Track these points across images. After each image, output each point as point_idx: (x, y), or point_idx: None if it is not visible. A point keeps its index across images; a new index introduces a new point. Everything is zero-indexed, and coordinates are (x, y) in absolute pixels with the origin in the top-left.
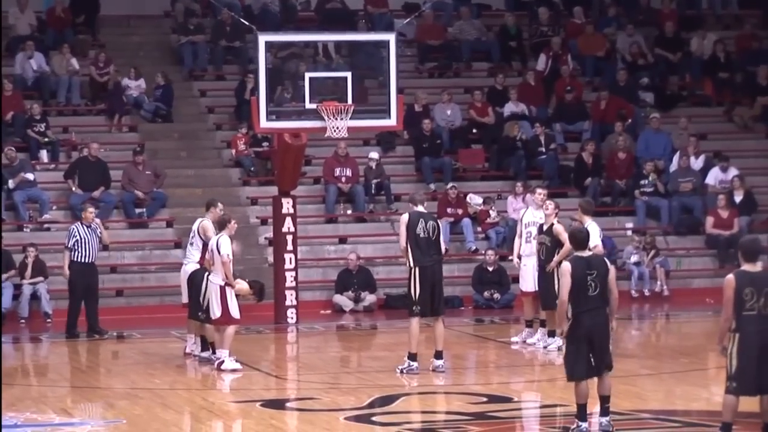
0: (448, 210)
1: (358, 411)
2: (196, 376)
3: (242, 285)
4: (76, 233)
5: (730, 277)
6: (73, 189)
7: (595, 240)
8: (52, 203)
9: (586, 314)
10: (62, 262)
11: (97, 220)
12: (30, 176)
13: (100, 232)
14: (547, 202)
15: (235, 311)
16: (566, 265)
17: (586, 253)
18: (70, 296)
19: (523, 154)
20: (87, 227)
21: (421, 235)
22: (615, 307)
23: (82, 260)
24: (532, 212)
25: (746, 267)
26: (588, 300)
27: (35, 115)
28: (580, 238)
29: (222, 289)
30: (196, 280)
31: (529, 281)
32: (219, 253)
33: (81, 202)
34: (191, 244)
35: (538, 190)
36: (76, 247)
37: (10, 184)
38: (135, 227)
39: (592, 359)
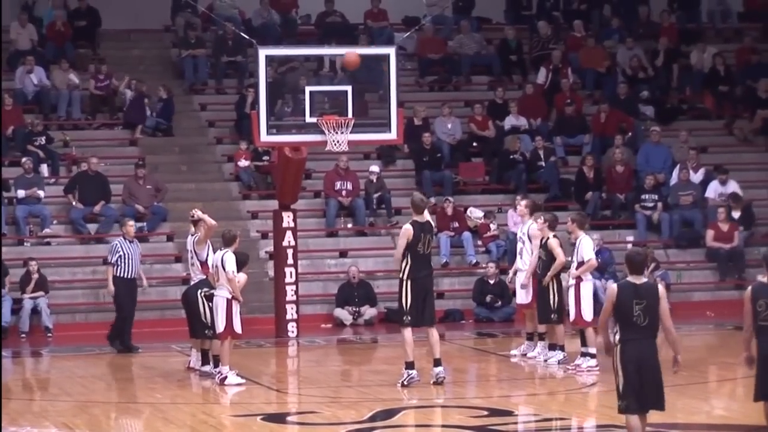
0: (447, 224)
1: (359, 425)
2: (197, 390)
3: (241, 279)
4: (119, 249)
5: (749, 288)
6: (74, 203)
7: (589, 254)
8: (53, 218)
9: (631, 344)
10: (62, 276)
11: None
12: (41, 193)
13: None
14: (539, 219)
15: (237, 326)
16: (612, 290)
17: (640, 280)
18: (119, 312)
19: (523, 167)
20: (129, 242)
21: (421, 252)
22: (675, 339)
23: (125, 276)
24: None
25: (765, 279)
26: (636, 330)
27: (35, 128)
28: (637, 262)
29: (229, 303)
30: (190, 298)
31: (521, 294)
32: (224, 269)
33: (81, 216)
34: (192, 264)
35: (523, 202)
36: (119, 263)
37: (20, 193)
38: None
39: (642, 392)
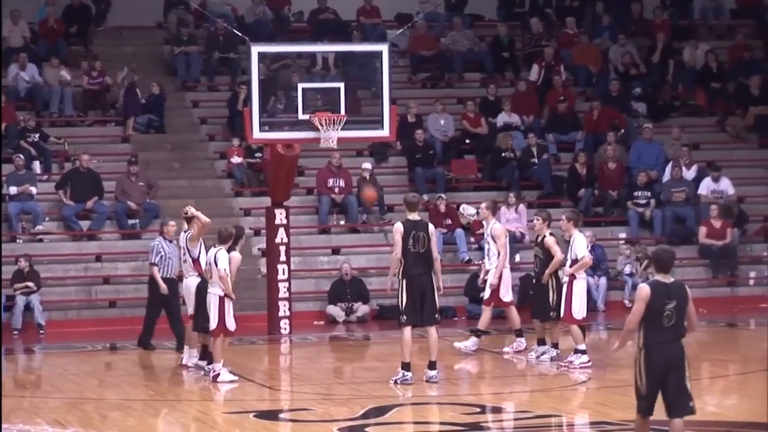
0: (440, 221)
1: (352, 422)
2: (190, 387)
3: (236, 258)
4: (161, 248)
5: None
6: (65, 200)
7: (582, 251)
8: (45, 214)
9: (658, 347)
10: (54, 273)
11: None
12: (33, 190)
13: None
14: (535, 218)
15: (231, 323)
16: (644, 290)
17: (669, 279)
18: (148, 308)
19: (515, 164)
20: (169, 242)
21: (412, 250)
22: (692, 332)
23: (164, 275)
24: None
25: None
26: (662, 331)
27: (28, 125)
28: (665, 260)
29: (221, 300)
30: (202, 291)
31: (486, 292)
32: (217, 266)
33: (74, 213)
34: (185, 261)
35: (483, 204)
36: (160, 263)
37: (13, 190)
38: (128, 238)
39: (664, 397)
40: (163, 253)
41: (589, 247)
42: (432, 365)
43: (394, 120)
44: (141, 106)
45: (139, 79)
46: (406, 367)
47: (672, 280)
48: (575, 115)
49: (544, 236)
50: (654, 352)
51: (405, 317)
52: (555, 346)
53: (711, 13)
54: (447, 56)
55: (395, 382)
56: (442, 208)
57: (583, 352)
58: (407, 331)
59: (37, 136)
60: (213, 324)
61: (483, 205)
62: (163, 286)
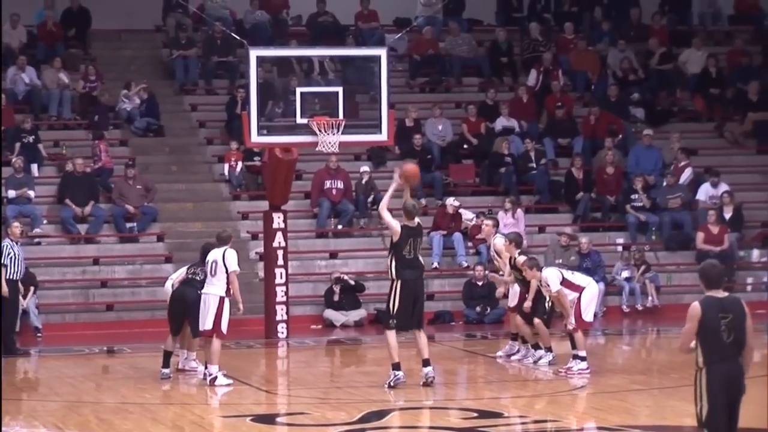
0: (445, 223)
1: (349, 426)
2: (186, 390)
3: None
4: (11, 250)
5: None
6: (74, 207)
7: (555, 287)
8: (43, 217)
9: (718, 365)
10: (51, 276)
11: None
12: (31, 194)
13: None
14: (505, 240)
15: (225, 326)
16: (695, 309)
17: (721, 294)
18: (11, 313)
19: (513, 169)
20: (16, 243)
21: (407, 256)
22: (749, 360)
23: (14, 277)
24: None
25: None
26: (723, 348)
27: (24, 126)
28: (712, 275)
29: (221, 301)
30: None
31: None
32: (226, 267)
33: (71, 216)
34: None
35: (489, 221)
36: (9, 265)
37: (11, 193)
38: (125, 242)
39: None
40: (12, 254)
41: (584, 253)
42: (426, 362)
43: (392, 124)
44: (109, 122)
45: (137, 83)
46: (396, 367)
47: (726, 294)
48: (573, 121)
49: (514, 258)
50: (714, 371)
51: (395, 321)
52: (549, 349)
53: (709, 19)
54: (445, 61)
55: (389, 386)
56: (450, 210)
57: (583, 358)
58: (393, 333)
59: (32, 138)
60: (209, 325)
61: (489, 222)
62: (5, 289)
